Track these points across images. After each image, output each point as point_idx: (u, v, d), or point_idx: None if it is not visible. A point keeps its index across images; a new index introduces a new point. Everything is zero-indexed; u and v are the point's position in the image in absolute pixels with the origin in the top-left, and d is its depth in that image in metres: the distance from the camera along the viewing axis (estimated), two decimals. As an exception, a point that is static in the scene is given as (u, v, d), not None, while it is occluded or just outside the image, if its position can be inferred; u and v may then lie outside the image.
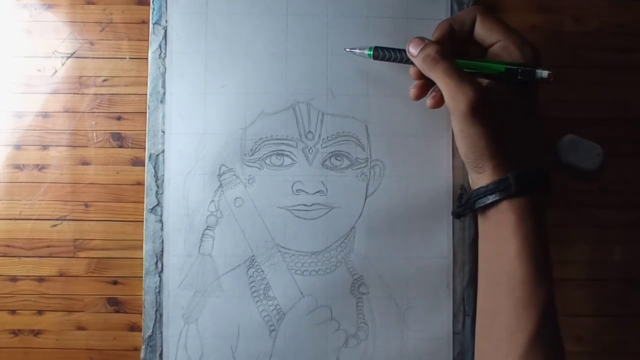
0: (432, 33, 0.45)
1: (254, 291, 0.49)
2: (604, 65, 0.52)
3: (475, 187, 0.43)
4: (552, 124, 0.51)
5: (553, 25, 0.52)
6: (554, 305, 0.41)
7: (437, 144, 0.50)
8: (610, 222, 0.52)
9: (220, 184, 0.49)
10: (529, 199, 0.41)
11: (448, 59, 0.42)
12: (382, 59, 0.46)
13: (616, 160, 0.52)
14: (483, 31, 0.44)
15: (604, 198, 0.52)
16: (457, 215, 0.46)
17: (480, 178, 0.43)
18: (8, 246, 0.51)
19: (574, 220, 0.52)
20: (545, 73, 0.41)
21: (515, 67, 0.42)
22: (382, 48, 0.46)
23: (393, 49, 0.46)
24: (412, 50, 0.44)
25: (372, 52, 0.46)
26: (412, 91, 0.47)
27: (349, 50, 0.48)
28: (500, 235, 0.42)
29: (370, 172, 0.49)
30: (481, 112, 0.41)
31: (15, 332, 0.51)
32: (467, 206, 0.44)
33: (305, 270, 0.49)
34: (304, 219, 0.49)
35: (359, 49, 0.48)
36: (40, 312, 0.51)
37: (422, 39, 0.44)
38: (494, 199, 0.42)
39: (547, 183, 0.43)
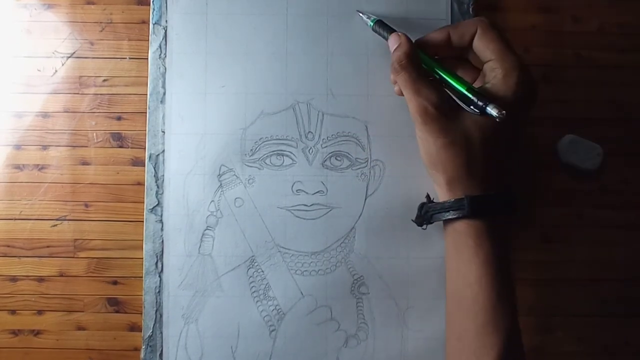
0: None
1: (254, 291, 0.49)
2: (604, 65, 0.52)
3: (436, 201, 0.44)
4: (552, 124, 0.52)
5: (553, 25, 0.52)
6: (517, 329, 0.41)
7: (437, 144, 0.50)
8: (610, 222, 0.52)
9: (220, 184, 0.49)
10: (487, 222, 0.41)
11: (408, 69, 0.42)
12: (379, 34, 0.47)
13: (616, 160, 0.52)
14: (481, 45, 0.43)
15: (604, 198, 0.52)
16: (417, 223, 0.46)
17: (439, 192, 0.44)
18: (8, 246, 0.51)
19: (574, 220, 0.52)
20: (494, 112, 0.39)
21: (468, 96, 0.41)
22: (383, 24, 0.47)
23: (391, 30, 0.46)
24: (390, 47, 0.44)
25: (373, 24, 0.47)
26: (396, 88, 0.47)
27: (359, 12, 0.49)
28: (460, 257, 0.42)
29: (370, 172, 0.49)
30: (432, 123, 0.41)
31: (15, 332, 0.51)
32: (425, 217, 0.45)
33: (305, 271, 0.49)
34: (304, 219, 0.49)
35: (366, 16, 0.48)
36: (40, 312, 0.51)
37: (399, 35, 0.44)
38: (449, 217, 0.42)
39: (507, 207, 0.42)
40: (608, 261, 0.52)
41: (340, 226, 0.49)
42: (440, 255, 0.49)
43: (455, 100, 0.43)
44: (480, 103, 0.40)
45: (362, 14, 0.49)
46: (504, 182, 0.42)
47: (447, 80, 0.43)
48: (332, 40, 0.50)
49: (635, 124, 0.52)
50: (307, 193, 0.49)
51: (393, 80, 0.47)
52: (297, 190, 0.49)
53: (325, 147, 0.49)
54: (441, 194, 0.43)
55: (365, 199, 0.49)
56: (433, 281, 0.49)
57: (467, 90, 0.41)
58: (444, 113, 0.41)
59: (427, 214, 0.44)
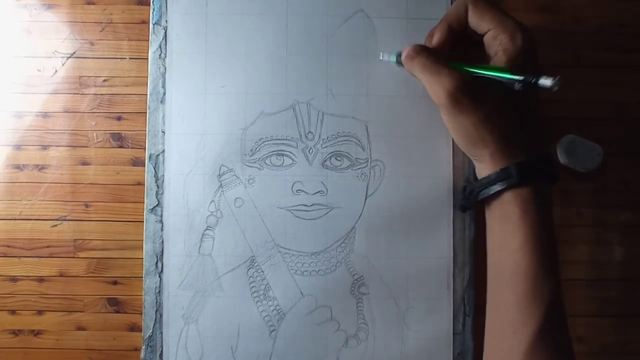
0: (428, 37, 0.45)
1: (254, 291, 0.49)
2: (604, 65, 0.52)
3: (479, 179, 0.43)
4: (552, 124, 0.51)
5: (553, 25, 0.52)
6: (560, 299, 0.40)
7: (437, 144, 0.50)
8: (610, 222, 0.52)
9: (221, 184, 0.49)
10: (532, 190, 0.40)
11: (425, 53, 0.42)
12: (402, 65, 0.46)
13: (616, 160, 0.52)
14: (475, 20, 0.42)
15: (604, 198, 0.52)
16: (462, 208, 0.45)
17: (482, 169, 0.43)
18: (8, 246, 0.51)
19: (574, 220, 0.52)
20: (548, 81, 0.39)
21: (514, 79, 0.40)
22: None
23: None
24: (402, 56, 0.44)
25: (396, 59, 0.46)
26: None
27: (381, 53, 0.48)
28: (505, 227, 0.41)
29: (370, 172, 0.49)
30: (463, 101, 0.40)
31: (15, 332, 0.51)
32: (470, 198, 0.44)
33: (305, 271, 0.49)
34: (304, 219, 0.49)
35: (387, 54, 0.47)
36: (40, 312, 0.51)
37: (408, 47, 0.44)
38: (497, 190, 0.41)
39: (551, 172, 0.42)
40: (608, 261, 0.52)
41: (340, 226, 0.49)
42: (440, 255, 0.49)
43: (475, 76, 0.42)
44: (532, 79, 0.39)
45: (384, 53, 0.48)
46: (541, 147, 0.42)
47: (486, 74, 0.41)
48: (332, 40, 0.50)
49: (635, 124, 0.52)
50: (307, 193, 0.49)
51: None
52: (297, 191, 0.49)
53: (326, 147, 0.49)
54: (484, 169, 0.42)
55: (365, 199, 0.49)
56: (433, 281, 0.49)
57: (511, 72, 0.40)
58: (470, 88, 0.40)
59: (472, 193, 0.43)
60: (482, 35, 0.43)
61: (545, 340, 0.39)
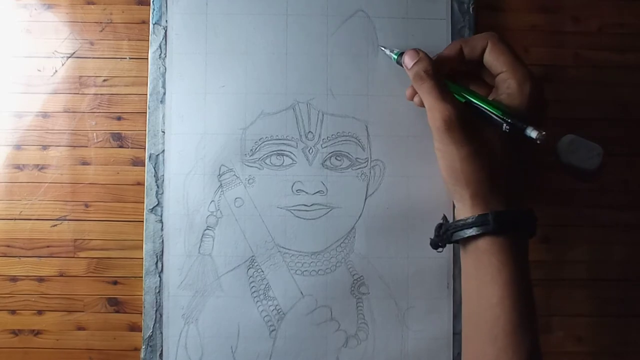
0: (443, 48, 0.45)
1: (254, 291, 0.49)
2: (604, 65, 0.52)
3: (456, 219, 0.43)
4: (552, 124, 0.51)
5: (553, 25, 0.52)
6: (539, 353, 0.40)
7: (437, 144, 0.50)
8: (610, 222, 0.52)
9: (220, 184, 0.49)
10: (510, 240, 0.40)
11: (434, 78, 0.42)
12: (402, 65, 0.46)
13: (616, 160, 0.52)
14: (491, 59, 0.43)
15: (604, 198, 0.52)
16: (434, 245, 0.45)
17: (460, 209, 0.43)
18: (8, 246, 0.51)
19: (574, 220, 0.52)
20: (534, 133, 0.39)
21: (504, 119, 0.40)
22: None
23: None
24: (407, 62, 0.44)
25: (397, 57, 0.47)
26: (408, 91, 0.47)
27: (382, 47, 0.49)
28: (481, 275, 0.41)
29: (370, 172, 0.49)
30: (456, 131, 0.40)
31: (15, 332, 0.51)
32: (444, 237, 0.44)
33: (305, 271, 0.49)
34: (304, 219, 0.49)
35: (389, 50, 0.48)
36: (40, 312, 0.51)
37: (416, 51, 0.44)
38: (472, 234, 0.41)
39: (530, 226, 0.41)
40: (608, 261, 0.52)
41: (340, 226, 0.49)
42: (440, 255, 0.49)
43: (476, 113, 0.42)
44: (520, 125, 0.39)
45: (385, 48, 0.48)
46: (525, 198, 0.42)
47: (479, 105, 0.42)
48: (332, 40, 0.50)
49: (635, 124, 0.52)
50: (307, 193, 0.49)
51: (410, 95, 0.47)
52: (297, 190, 0.49)
53: (325, 147, 0.49)
54: (462, 211, 0.42)
55: (365, 199, 0.49)
56: (433, 281, 0.49)
57: (503, 113, 0.40)
58: (468, 121, 0.41)
59: (447, 232, 0.43)
60: (479, 71, 0.44)
61: None
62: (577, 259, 0.52)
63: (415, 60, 0.44)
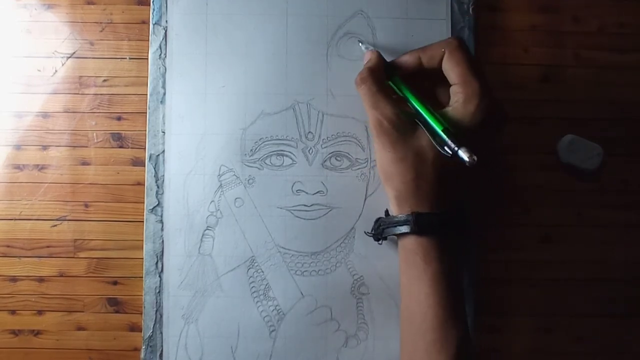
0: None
1: (254, 291, 0.49)
2: (604, 65, 0.52)
3: (389, 215, 0.44)
4: (552, 124, 0.52)
5: (553, 25, 0.52)
6: (468, 345, 0.41)
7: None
8: (610, 222, 0.52)
9: (220, 184, 0.49)
10: (435, 241, 0.41)
11: (370, 81, 0.43)
12: None
13: (616, 160, 0.52)
14: (447, 68, 0.43)
15: (604, 198, 0.52)
16: (374, 237, 0.46)
17: (391, 206, 0.44)
18: (8, 246, 0.51)
19: (574, 220, 0.52)
20: (465, 156, 0.39)
21: (440, 138, 0.40)
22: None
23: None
24: (364, 61, 0.46)
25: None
26: None
27: (359, 42, 0.49)
28: (409, 273, 0.42)
29: (370, 172, 0.49)
30: (385, 137, 0.42)
31: (15, 332, 0.51)
32: (378, 232, 0.45)
33: (305, 271, 0.49)
34: (304, 219, 0.49)
35: (365, 47, 0.48)
36: (40, 312, 0.51)
37: (371, 52, 0.45)
38: (398, 232, 0.42)
39: (456, 228, 0.42)
40: (608, 261, 0.52)
41: (340, 226, 0.49)
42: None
43: (414, 119, 0.43)
44: (452, 146, 0.40)
45: (362, 43, 0.49)
46: (454, 203, 0.43)
47: (422, 116, 0.42)
48: (332, 40, 0.50)
49: (635, 124, 0.52)
50: (307, 193, 0.49)
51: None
52: (297, 191, 0.49)
53: (325, 147, 0.49)
54: (393, 209, 0.44)
55: (365, 199, 0.49)
56: (433, 281, 0.49)
57: (442, 130, 0.41)
58: (397, 129, 0.42)
59: (379, 228, 0.45)
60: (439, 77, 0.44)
61: None
62: (577, 259, 0.52)
63: (365, 62, 0.45)
